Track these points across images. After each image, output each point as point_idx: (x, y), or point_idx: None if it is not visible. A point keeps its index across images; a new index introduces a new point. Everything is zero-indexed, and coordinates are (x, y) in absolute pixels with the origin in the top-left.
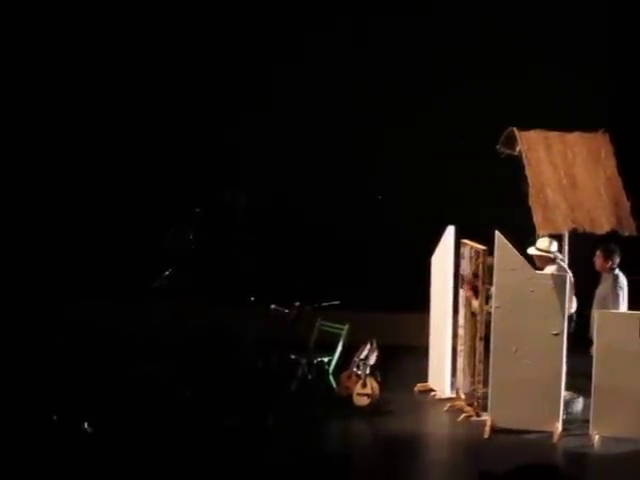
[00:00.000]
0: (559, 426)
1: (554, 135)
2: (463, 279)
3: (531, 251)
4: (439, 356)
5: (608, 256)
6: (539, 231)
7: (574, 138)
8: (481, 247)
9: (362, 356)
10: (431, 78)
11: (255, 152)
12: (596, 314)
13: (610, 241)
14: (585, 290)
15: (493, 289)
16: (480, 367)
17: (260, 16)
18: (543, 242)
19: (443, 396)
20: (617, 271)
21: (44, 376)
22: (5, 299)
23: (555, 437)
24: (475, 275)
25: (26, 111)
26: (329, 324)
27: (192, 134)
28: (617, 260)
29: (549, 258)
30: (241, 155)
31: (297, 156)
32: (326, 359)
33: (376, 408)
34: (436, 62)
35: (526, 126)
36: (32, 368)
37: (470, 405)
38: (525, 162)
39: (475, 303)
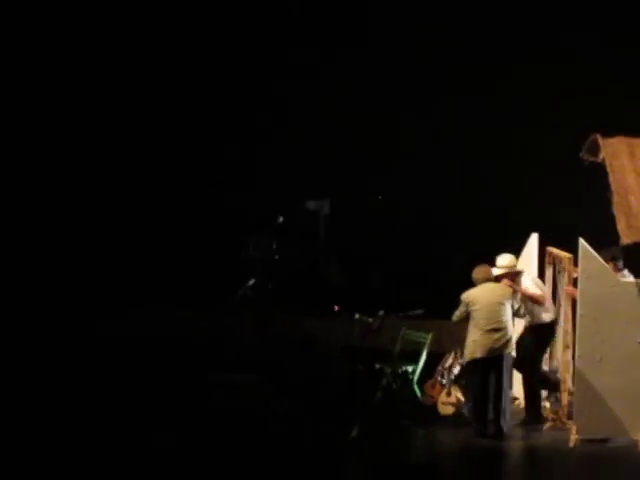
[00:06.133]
0: None
1: (637, 142)
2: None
3: (497, 271)
4: None
5: None
6: (623, 239)
7: None
8: (566, 255)
9: (446, 365)
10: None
11: (338, 158)
12: None
13: None
14: None
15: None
16: (567, 376)
17: None
18: (504, 259)
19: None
20: None
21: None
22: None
23: None
24: None
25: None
26: (413, 333)
27: (274, 143)
28: None
29: (515, 272)
30: (323, 162)
31: (383, 162)
32: (410, 368)
33: (461, 417)
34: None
35: (610, 133)
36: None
37: (555, 413)
38: (608, 169)
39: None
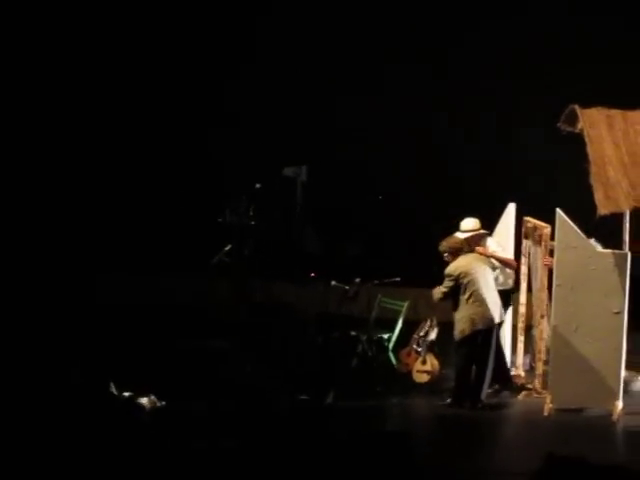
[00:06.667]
0: (619, 404)
1: (616, 113)
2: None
3: (463, 235)
4: None
5: None
6: (600, 209)
7: (636, 116)
8: (544, 225)
9: (422, 333)
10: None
11: (316, 125)
12: None
13: None
14: None
15: None
16: (542, 345)
17: None
18: (469, 222)
19: None
20: None
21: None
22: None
23: (615, 415)
24: None
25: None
26: (389, 300)
27: (251, 109)
28: None
29: (481, 235)
30: (301, 128)
31: (362, 127)
32: (386, 336)
33: (436, 385)
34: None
35: (588, 104)
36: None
37: (530, 383)
38: (586, 140)
39: None
